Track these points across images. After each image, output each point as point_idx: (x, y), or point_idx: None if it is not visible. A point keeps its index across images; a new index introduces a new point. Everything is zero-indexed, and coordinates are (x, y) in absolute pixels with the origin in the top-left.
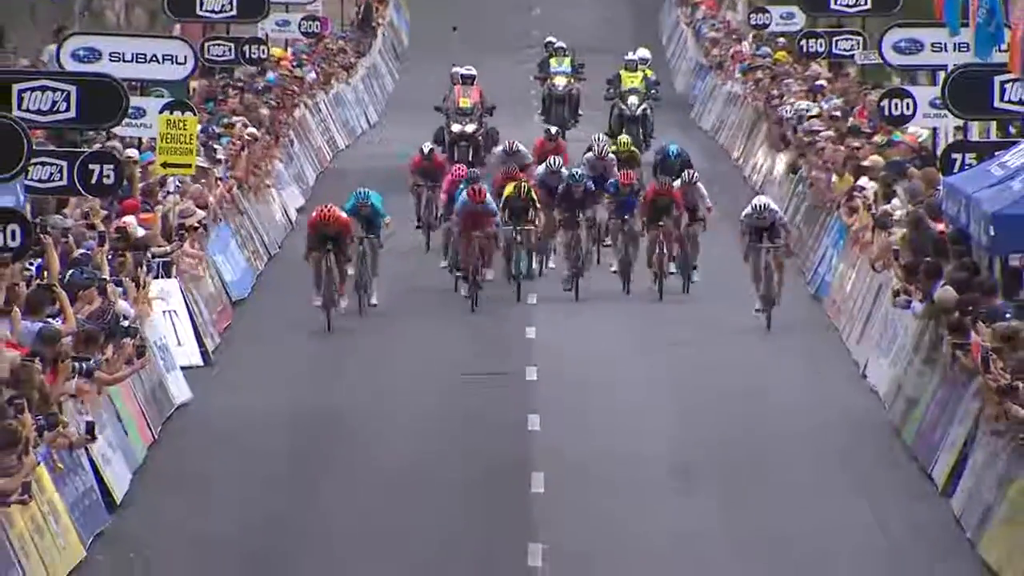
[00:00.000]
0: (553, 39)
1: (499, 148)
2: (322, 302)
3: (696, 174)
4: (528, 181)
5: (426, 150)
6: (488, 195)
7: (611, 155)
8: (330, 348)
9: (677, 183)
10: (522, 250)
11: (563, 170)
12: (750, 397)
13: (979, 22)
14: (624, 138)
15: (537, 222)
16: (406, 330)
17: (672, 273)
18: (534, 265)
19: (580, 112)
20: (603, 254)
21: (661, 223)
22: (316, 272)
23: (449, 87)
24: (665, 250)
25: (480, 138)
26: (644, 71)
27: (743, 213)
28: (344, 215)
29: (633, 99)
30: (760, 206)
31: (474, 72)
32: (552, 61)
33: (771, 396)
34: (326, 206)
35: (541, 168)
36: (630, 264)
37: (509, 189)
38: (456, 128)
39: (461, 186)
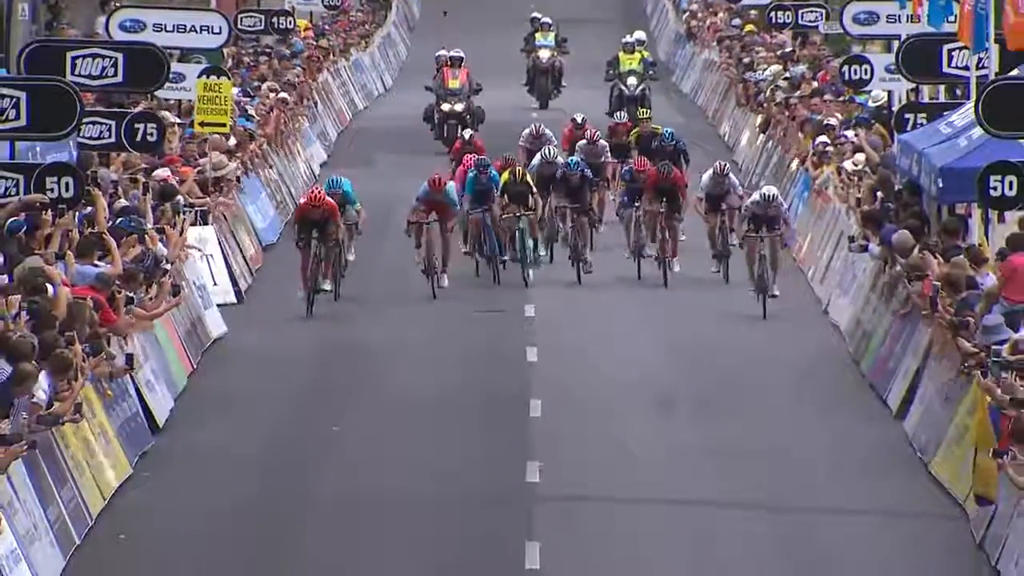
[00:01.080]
0: (538, 15)
1: (527, 131)
2: (304, 289)
3: (727, 165)
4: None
5: (467, 136)
6: (449, 185)
7: (603, 141)
8: (350, 289)
9: (710, 172)
10: (526, 236)
11: (559, 159)
12: (727, 333)
13: None
14: (643, 112)
15: (536, 207)
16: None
17: (650, 256)
18: (542, 251)
19: (563, 84)
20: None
21: (660, 209)
22: (303, 260)
23: (437, 68)
24: (668, 236)
25: (467, 116)
26: (641, 52)
27: (749, 199)
28: (331, 200)
29: (632, 80)
30: (769, 196)
31: (462, 55)
32: (537, 35)
33: (745, 332)
34: (320, 194)
35: (536, 159)
36: (643, 248)
37: (505, 176)
38: (445, 107)
39: (470, 174)
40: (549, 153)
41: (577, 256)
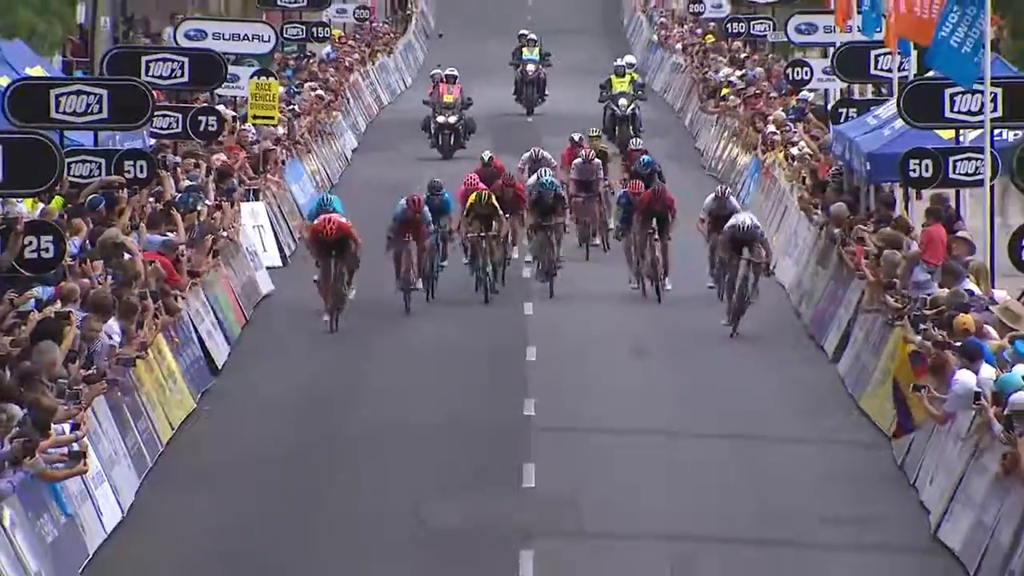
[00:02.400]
0: (525, 31)
1: (526, 154)
2: (327, 307)
3: (728, 188)
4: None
5: (487, 157)
6: (424, 206)
7: (597, 160)
8: (373, 256)
9: (712, 195)
10: (488, 257)
11: (545, 179)
12: (691, 300)
13: (864, 9)
14: (594, 131)
15: (501, 230)
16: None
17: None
18: (499, 279)
19: (547, 92)
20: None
21: (651, 229)
22: (324, 282)
23: (433, 84)
24: (659, 255)
25: (460, 127)
26: (631, 75)
27: (727, 225)
28: (344, 220)
29: (623, 101)
30: (745, 221)
31: (456, 73)
32: (524, 50)
33: (704, 291)
34: (328, 218)
35: (532, 179)
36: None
37: (472, 198)
38: (440, 119)
39: (472, 198)
40: (545, 175)
41: (547, 270)
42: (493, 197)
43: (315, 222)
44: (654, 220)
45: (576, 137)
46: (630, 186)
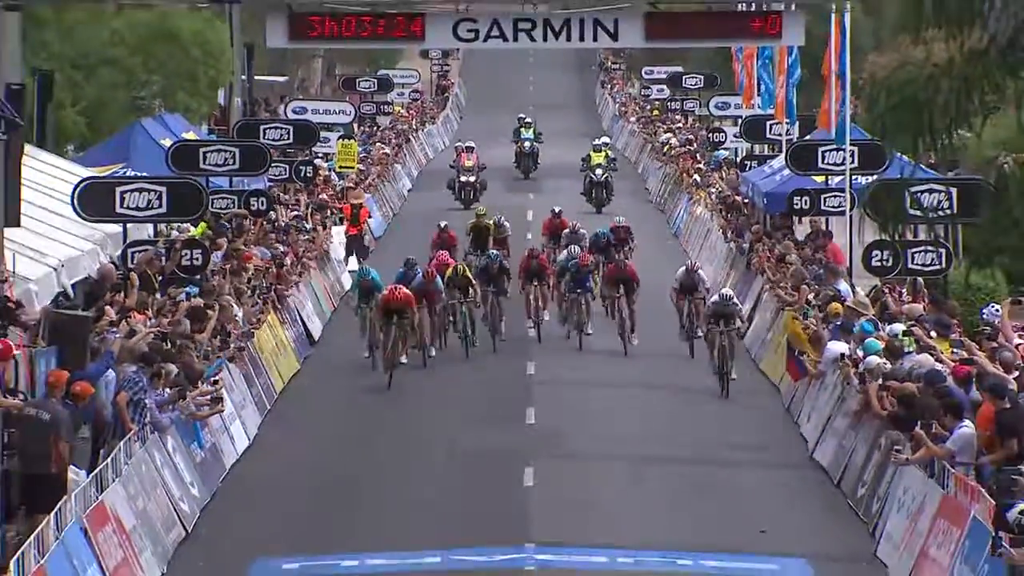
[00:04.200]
0: (523, 115)
1: (565, 230)
2: (384, 365)
3: (698, 263)
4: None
5: (443, 224)
6: (437, 277)
7: (582, 229)
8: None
9: (683, 269)
10: (467, 319)
11: (572, 258)
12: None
13: (762, 92)
14: (481, 209)
15: (476, 296)
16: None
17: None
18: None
19: (539, 162)
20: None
21: (619, 294)
22: (371, 333)
23: (455, 154)
24: (624, 316)
25: (476, 185)
26: (606, 151)
27: (710, 298)
28: (408, 292)
29: (599, 171)
30: (725, 296)
31: (473, 144)
32: (522, 130)
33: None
34: (397, 288)
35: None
36: (583, 327)
37: (449, 271)
38: (462, 179)
39: (449, 271)
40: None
41: (495, 331)
42: (468, 270)
43: (385, 292)
44: (620, 286)
45: (556, 209)
46: (580, 257)
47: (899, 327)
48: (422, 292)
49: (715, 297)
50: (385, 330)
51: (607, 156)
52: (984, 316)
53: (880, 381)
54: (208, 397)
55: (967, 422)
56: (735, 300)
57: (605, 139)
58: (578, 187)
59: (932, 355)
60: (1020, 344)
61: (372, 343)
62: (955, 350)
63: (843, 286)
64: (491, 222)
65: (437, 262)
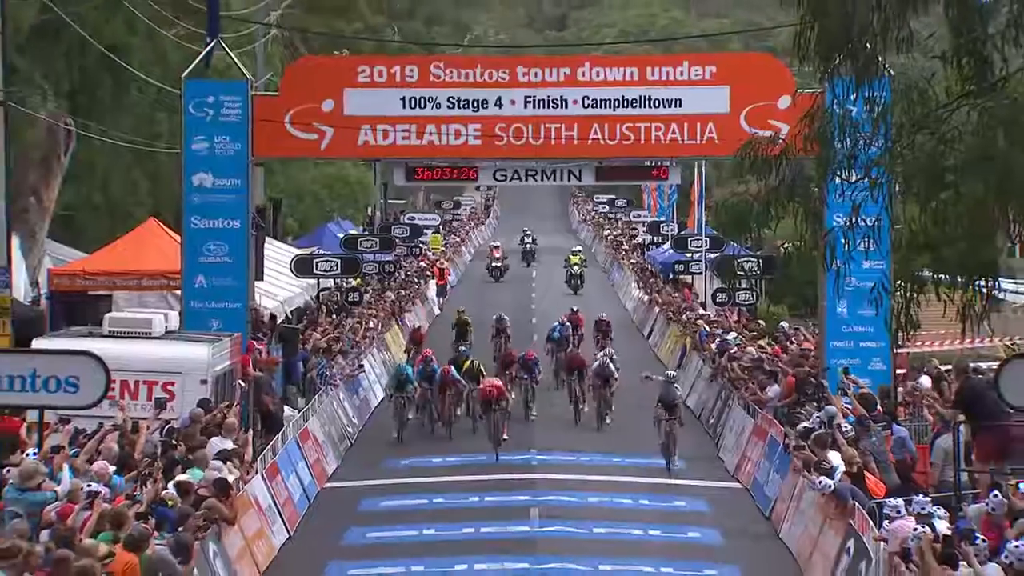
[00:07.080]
0: (526, 228)
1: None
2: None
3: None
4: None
5: (416, 325)
6: (452, 370)
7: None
8: (478, 303)
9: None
10: (476, 403)
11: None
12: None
13: (658, 208)
14: (461, 308)
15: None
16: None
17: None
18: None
19: (536, 260)
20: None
21: (573, 377)
22: (486, 423)
23: (489, 249)
24: (579, 394)
25: (501, 268)
26: (580, 255)
27: (661, 393)
28: (500, 383)
29: (576, 268)
30: (670, 377)
31: (499, 243)
32: (525, 238)
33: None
34: (492, 383)
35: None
36: (529, 405)
37: (466, 365)
38: (494, 265)
39: (434, 365)
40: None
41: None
42: (482, 365)
43: (482, 386)
44: (575, 372)
45: (574, 308)
46: (527, 352)
47: (733, 333)
48: (446, 381)
49: (665, 393)
50: (486, 419)
51: (581, 258)
52: (780, 328)
53: (727, 358)
54: (352, 372)
55: (776, 385)
56: (681, 395)
57: (578, 248)
58: (558, 261)
59: (754, 347)
60: (804, 343)
61: (400, 422)
62: (763, 345)
63: (701, 311)
64: (468, 318)
65: (451, 362)
